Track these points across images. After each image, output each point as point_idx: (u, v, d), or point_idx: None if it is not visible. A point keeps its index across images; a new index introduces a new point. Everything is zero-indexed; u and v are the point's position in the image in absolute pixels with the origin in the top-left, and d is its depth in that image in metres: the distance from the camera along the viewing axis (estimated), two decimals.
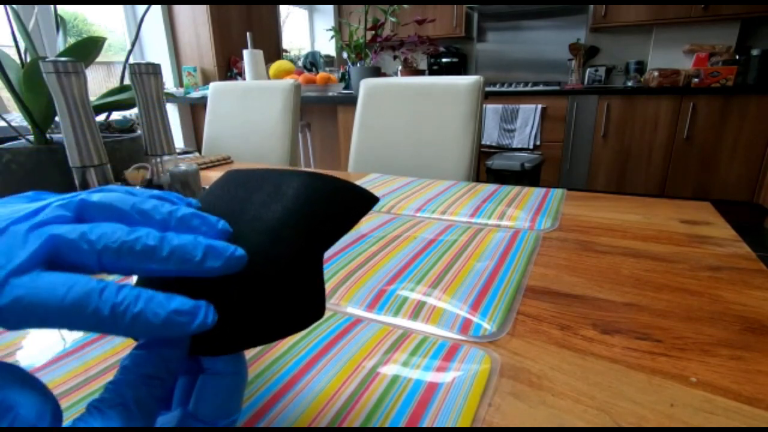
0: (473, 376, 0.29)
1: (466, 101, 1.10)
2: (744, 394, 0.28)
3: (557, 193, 0.75)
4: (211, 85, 1.48)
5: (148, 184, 0.69)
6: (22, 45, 0.67)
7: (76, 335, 0.36)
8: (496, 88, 3.12)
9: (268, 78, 2.24)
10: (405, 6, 2.28)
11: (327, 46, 3.81)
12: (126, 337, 0.16)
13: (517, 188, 0.79)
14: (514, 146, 3.02)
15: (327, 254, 0.51)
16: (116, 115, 0.88)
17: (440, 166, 1.13)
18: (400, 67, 2.76)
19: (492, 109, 3.01)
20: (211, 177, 0.98)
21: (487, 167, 2.57)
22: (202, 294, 0.17)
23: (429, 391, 0.28)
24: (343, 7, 3.86)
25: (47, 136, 0.72)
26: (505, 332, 0.35)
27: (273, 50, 3.16)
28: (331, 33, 2.07)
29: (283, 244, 0.19)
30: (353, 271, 0.47)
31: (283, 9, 3.47)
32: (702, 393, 0.28)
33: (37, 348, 0.34)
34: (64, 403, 0.28)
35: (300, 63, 3.13)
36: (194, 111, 2.74)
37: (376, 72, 1.99)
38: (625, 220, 0.61)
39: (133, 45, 0.82)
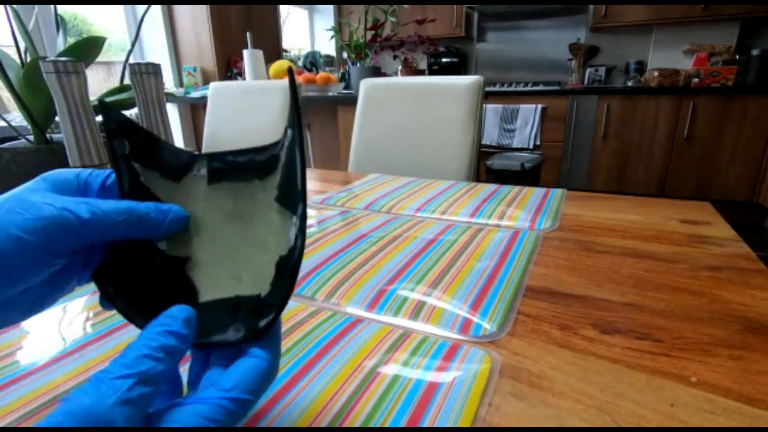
0: (473, 376, 0.29)
1: (466, 101, 1.10)
2: (744, 394, 0.28)
3: (557, 193, 0.75)
4: (211, 85, 1.47)
5: None
6: (22, 45, 0.67)
7: (76, 335, 0.36)
8: (496, 88, 3.12)
9: (268, 78, 2.24)
10: (405, 6, 2.28)
11: (327, 46, 3.80)
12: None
13: (517, 188, 0.79)
14: (514, 146, 3.02)
15: (327, 254, 0.51)
16: None
17: (440, 166, 1.13)
18: (400, 67, 2.76)
19: (492, 109, 3.01)
20: None
21: (487, 167, 2.57)
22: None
23: (429, 391, 0.28)
24: (343, 7, 3.86)
25: (47, 136, 0.72)
26: (505, 332, 0.35)
27: (273, 50, 3.16)
28: (331, 33, 2.07)
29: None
30: (353, 271, 0.47)
31: (283, 9, 3.47)
32: (702, 393, 0.28)
33: (37, 348, 0.34)
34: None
35: (300, 63, 3.13)
36: (194, 111, 2.74)
37: (376, 72, 1.99)
38: (625, 220, 0.61)
39: (133, 45, 0.82)
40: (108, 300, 0.22)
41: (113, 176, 0.24)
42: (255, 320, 0.21)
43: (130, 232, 0.21)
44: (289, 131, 0.25)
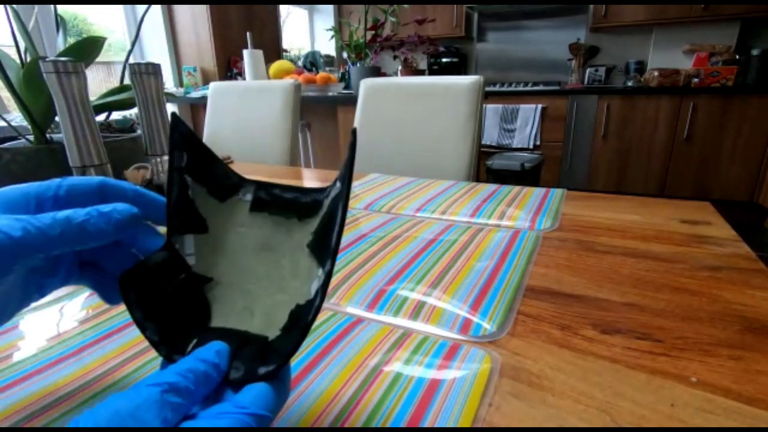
0: (473, 376, 0.29)
1: (466, 101, 1.10)
2: (744, 394, 0.28)
3: (557, 193, 0.75)
4: (211, 84, 1.48)
5: (148, 183, 0.69)
6: (22, 45, 0.67)
7: (75, 337, 0.36)
8: (496, 88, 3.12)
9: (268, 78, 2.24)
10: (405, 6, 2.28)
11: (327, 46, 3.81)
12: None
13: (517, 188, 0.79)
14: (514, 146, 3.02)
15: None
16: (116, 115, 0.88)
17: (440, 166, 1.13)
18: (400, 67, 2.76)
19: (492, 109, 3.01)
20: None
21: (487, 167, 2.57)
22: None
23: (430, 391, 0.28)
24: (343, 7, 3.86)
25: (47, 136, 0.72)
26: (505, 332, 0.35)
27: (273, 50, 3.16)
28: (331, 33, 2.07)
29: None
30: (353, 271, 0.47)
31: (283, 9, 3.47)
32: (702, 393, 0.28)
33: (34, 350, 0.34)
34: (63, 408, 0.28)
35: (300, 63, 3.13)
36: (194, 111, 2.74)
37: (376, 72, 1.99)
38: (625, 220, 0.61)
39: (133, 45, 0.82)
40: (127, 305, 0.22)
41: (66, 184, 0.23)
42: (255, 366, 0.21)
43: (76, 243, 0.20)
44: (338, 184, 0.25)
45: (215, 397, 0.19)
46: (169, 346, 0.21)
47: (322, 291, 0.21)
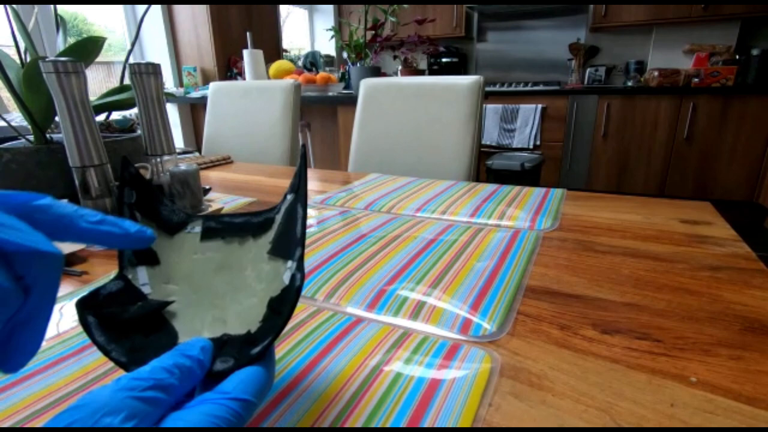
0: (473, 376, 0.29)
1: (466, 101, 1.10)
2: (744, 394, 0.28)
3: (557, 193, 0.75)
4: (211, 84, 1.48)
5: None
6: (22, 45, 0.67)
7: (74, 338, 0.36)
8: (496, 88, 3.12)
9: (268, 78, 2.24)
10: (405, 6, 2.28)
11: (327, 46, 3.81)
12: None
13: (517, 188, 0.79)
14: (514, 146, 3.02)
15: (327, 254, 0.51)
16: (116, 115, 0.88)
17: (440, 166, 1.13)
18: (400, 67, 2.76)
19: (492, 109, 3.01)
20: (211, 177, 0.98)
21: (487, 167, 2.57)
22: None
23: (430, 391, 0.28)
24: (343, 7, 3.86)
25: (47, 136, 0.72)
26: (505, 332, 0.35)
27: (273, 50, 3.15)
28: (331, 33, 2.07)
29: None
30: (353, 271, 0.47)
31: (283, 9, 3.47)
32: (702, 393, 0.28)
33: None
34: (63, 408, 0.28)
35: (300, 63, 3.13)
36: (194, 111, 2.74)
37: (376, 72, 1.99)
38: (625, 220, 0.61)
39: (133, 45, 0.82)
40: (85, 329, 0.22)
41: None
42: (246, 349, 0.21)
43: None
44: (289, 197, 0.28)
45: (202, 391, 0.19)
46: (138, 366, 0.21)
47: (299, 271, 0.23)
